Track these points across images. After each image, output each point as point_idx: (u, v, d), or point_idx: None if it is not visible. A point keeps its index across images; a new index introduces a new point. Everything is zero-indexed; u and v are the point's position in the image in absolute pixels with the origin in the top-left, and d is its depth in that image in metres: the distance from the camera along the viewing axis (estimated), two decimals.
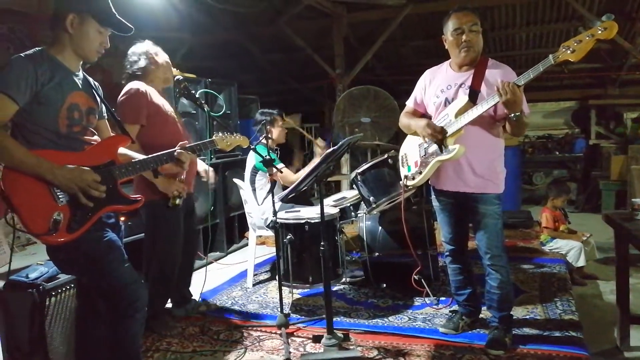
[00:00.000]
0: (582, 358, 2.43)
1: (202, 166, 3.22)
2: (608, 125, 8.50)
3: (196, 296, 3.35)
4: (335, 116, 5.47)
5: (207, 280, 3.42)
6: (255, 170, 3.84)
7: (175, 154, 2.31)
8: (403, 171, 2.83)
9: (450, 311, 3.07)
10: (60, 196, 1.82)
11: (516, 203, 6.23)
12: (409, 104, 2.84)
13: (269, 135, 3.56)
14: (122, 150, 2.12)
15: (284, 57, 8.80)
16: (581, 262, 3.75)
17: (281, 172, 3.66)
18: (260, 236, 4.05)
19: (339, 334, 2.71)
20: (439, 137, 2.48)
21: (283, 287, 3.03)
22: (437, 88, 2.63)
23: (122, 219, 2.24)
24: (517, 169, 6.41)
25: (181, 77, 2.92)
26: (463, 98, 2.46)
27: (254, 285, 3.86)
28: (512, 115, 2.31)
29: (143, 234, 3.01)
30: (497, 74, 2.48)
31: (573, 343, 2.58)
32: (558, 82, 9.24)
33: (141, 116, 2.75)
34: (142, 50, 2.88)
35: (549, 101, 9.21)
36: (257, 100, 6.11)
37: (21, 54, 1.83)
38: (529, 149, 8.92)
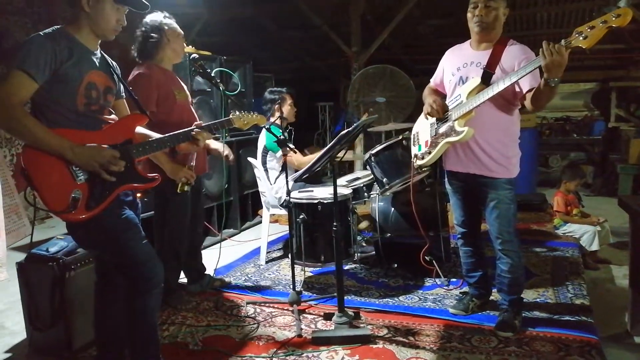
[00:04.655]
0: (592, 342, 2.44)
1: (216, 145, 3.15)
2: (629, 108, 8.32)
3: (210, 272, 3.42)
4: (350, 95, 5.43)
5: (221, 256, 3.49)
6: (265, 151, 3.85)
7: (193, 132, 2.33)
8: (414, 150, 2.83)
9: (460, 292, 3.10)
10: (79, 174, 1.85)
11: (531, 185, 6.17)
12: (431, 81, 2.85)
13: (280, 115, 3.56)
14: (139, 129, 2.15)
15: (299, 34, 8.71)
16: (594, 247, 3.73)
17: (295, 151, 3.66)
18: (273, 214, 4.09)
19: (350, 312, 2.75)
20: (436, 114, 2.55)
21: (295, 265, 3.08)
22: (454, 66, 2.61)
23: (139, 195, 2.28)
24: (533, 151, 6.33)
25: (197, 56, 2.92)
26: (476, 79, 2.43)
27: (266, 262, 3.92)
28: (551, 80, 2.15)
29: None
30: (515, 53, 2.43)
31: (583, 327, 2.59)
32: (579, 62, 9.04)
33: (150, 104, 2.71)
34: (156, 25, 2.84)
35: (569, 82, 9.00)
36: (271, 78, 6.09)
37: (40, 33, 1.84)
38: (546, 131, 8.79)
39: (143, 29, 2.86)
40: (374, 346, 2.49)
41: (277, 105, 3.73)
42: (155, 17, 2.86)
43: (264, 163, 3.90)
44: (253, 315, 2.93)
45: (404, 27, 8.08)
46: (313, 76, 10.26)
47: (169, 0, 5.68)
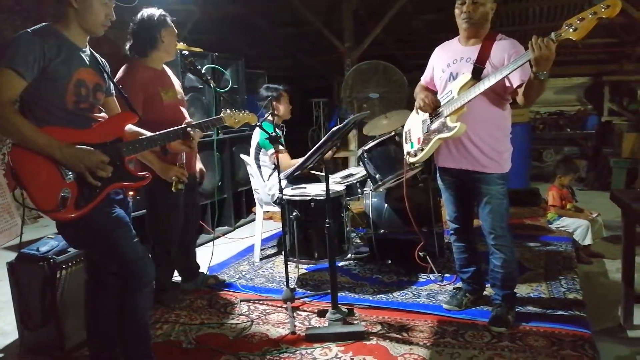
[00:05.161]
0: (585, 336, 2.45)
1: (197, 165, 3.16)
2: (621, 102, 8.35)
3: (204, 270, 3.41)
4: (343, 91, 5.42)
5: (214, 254, 3.48)
6: (259, 148, 3.83)
7: (187, 129, 2.31)
8: (406, 147, 2.83)
9: (454, 288, 3.10)
10: (68, 173, 1.83)
11: (525, 180, 6.19)
12: (422, 79, 2.84)
13: (275, 112, 3.54)
14: (129, 127, 2.13)
15: (292, 31, 8.67)
16: (588, 241, 3.75)
17: (282, 152, 3.63)
18: (267, 211, 4.08)
19: (344, 308, 2.75)
20: (429, 109, 2.53)
21: (289, 262, 3.07)
22: (444, 62, 2.61)
23: (131, 193, 2.26)
24: (526, 146, 6.36)
25: (187, 52, 2.89)
26: (466, 75, 2.43)
27: (260, 259, 3.91)
28: (540, 73, 2.15)
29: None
30: (504, 47, 2.43)
31: (576, 321, 2.61)
32: (572, 57, 9.05)
33: (135, 105, 2.66)
34: (152, 23, 2.78)
35: (562, 77, 9.02)
36: (264, 75, 6.06)
37: (27, 30, 1.82)
38: (539, 126, 8.82)
39: (138, 24, 2.80)
40: (368, 342, 2.49)
41: (273, 102, 3.71)
42: (151, 13, 2.80)
43: (257, 160, 3.88)
44: (247, 312, 2.92)
45: (397, 23, 8.06)
46: (306, 73, 10.22)
47: None
